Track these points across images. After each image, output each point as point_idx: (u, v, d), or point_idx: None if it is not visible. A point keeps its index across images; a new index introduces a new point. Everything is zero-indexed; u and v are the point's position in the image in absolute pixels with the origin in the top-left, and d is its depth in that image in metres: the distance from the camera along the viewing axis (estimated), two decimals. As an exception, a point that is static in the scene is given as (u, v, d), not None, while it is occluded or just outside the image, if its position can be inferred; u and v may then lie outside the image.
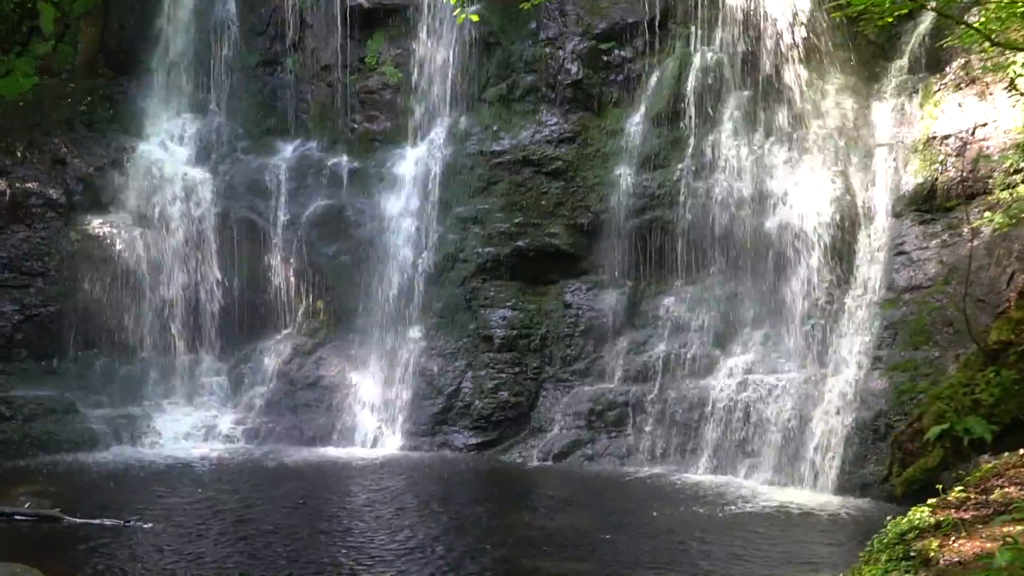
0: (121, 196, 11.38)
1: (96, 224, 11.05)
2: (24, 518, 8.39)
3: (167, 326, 11.28)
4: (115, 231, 11.08)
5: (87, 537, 7.85)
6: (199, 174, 11.58)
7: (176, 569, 7.11)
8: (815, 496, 8.99)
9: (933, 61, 10.41)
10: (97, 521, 8.25)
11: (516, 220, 10.90)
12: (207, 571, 6.95)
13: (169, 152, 11.69)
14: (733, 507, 8.36)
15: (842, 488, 8.91)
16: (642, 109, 10.98)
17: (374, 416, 10.77)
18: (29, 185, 10.79)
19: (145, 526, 8.05)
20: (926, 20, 10.39)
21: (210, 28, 11.93)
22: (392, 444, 10.48)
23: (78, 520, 8.31)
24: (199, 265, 11.30)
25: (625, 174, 10.86)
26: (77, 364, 10.83)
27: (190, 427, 10.74)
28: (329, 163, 11.73)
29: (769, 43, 10.81)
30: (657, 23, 10.99)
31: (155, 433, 10.52)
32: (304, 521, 8.21)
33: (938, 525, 4.35)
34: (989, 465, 6.26)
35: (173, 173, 11.47)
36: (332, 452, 10.43)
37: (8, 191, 10.60)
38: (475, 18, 8.74)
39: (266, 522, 8.15)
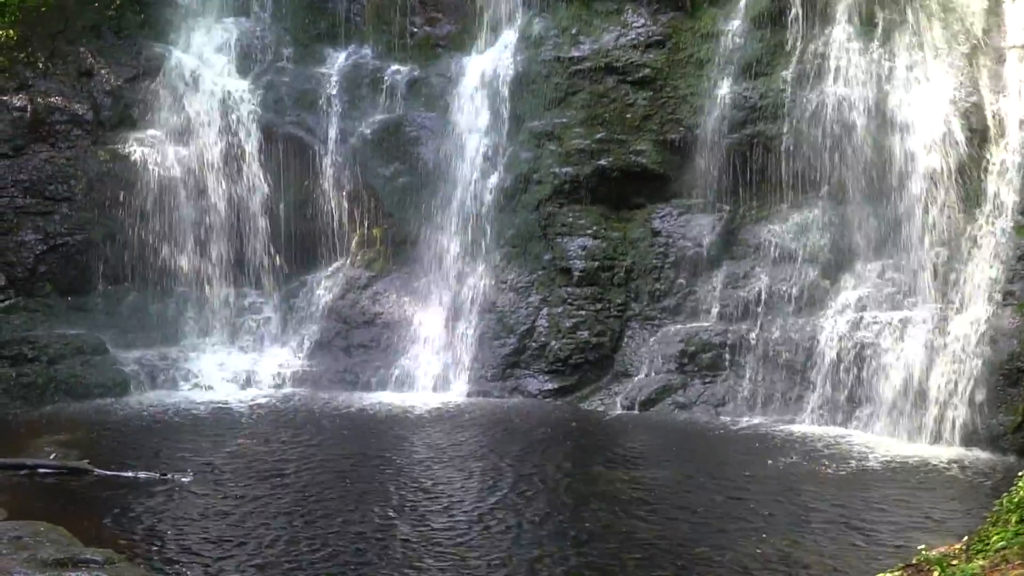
0: (154, 111, 10.89)
1: (127, 143, 10.56)
2: (50, 471, 8.02)
3: (206, 257, 10.82)
4: (148, 150, 10.60)
5: (119, 492, 7.44)
6: (240, 86, 11.11)
7: (220, 529, 6.62)
8: (937, 450, 8.29)
9: None
10: (130, 474, 7.87)
11: (598, 136, 10.23)
12: (254, 533, 6.40)
13: (207, 62, 11.19)
14: (845, 463, 7.69)
15: (968, 440, 8.25)
16: (741, 8, 10.27)
17: (438, 358, 10.28)
18: (52, 100, 10.33)
19: (184, 479, 7.49)
20: None
21: None
22: (458, 390, 10.00)
23: (109, 473, 7.91)
24: (241, 189, 10.82)
25: (722, 83, 10.14)
26: (106, 300, 10.48)
27: (232, 370, 10.32)
28: (386, 72, 11.25)
29: None
30: None
31: (193, 376, 10.16)
32: (359, 479, 7.57)
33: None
34: None
35: (212, 85, 10.98)
36: (390, 398, 9.92)
37: (29, 106, 10.06)
38: None
39: (316, 480, 7.51)
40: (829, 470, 7.50)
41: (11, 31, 10.27)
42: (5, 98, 10.16)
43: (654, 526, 6.34)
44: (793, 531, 6.06)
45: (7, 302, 9.95)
